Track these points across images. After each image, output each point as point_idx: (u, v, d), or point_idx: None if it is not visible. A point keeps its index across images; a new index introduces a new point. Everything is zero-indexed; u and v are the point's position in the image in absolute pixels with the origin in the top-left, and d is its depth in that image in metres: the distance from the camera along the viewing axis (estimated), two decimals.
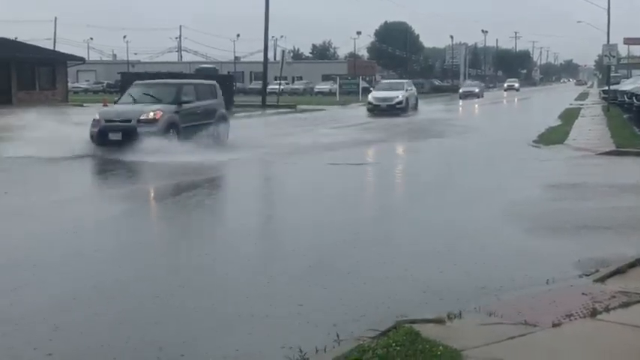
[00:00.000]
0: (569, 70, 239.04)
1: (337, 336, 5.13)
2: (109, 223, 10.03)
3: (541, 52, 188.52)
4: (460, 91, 72.71)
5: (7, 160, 16.77)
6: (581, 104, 48.35)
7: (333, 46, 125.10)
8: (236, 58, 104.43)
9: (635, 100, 26.99)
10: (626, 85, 36.01)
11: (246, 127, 26.47)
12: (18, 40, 56.26)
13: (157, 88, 20.64)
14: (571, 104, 48.80)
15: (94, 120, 18.72)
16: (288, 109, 45.64)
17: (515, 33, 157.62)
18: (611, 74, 43.66)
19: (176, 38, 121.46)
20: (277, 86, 55.97)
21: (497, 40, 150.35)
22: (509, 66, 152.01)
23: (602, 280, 6.43)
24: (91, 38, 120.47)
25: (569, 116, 33.42)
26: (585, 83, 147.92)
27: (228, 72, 71.09)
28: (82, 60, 55.25)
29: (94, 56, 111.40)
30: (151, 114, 18.28)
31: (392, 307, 5.86)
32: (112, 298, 6.34)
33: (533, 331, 5.17)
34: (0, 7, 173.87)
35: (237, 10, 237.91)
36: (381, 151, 20.50)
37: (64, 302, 6.16)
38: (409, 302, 6.05)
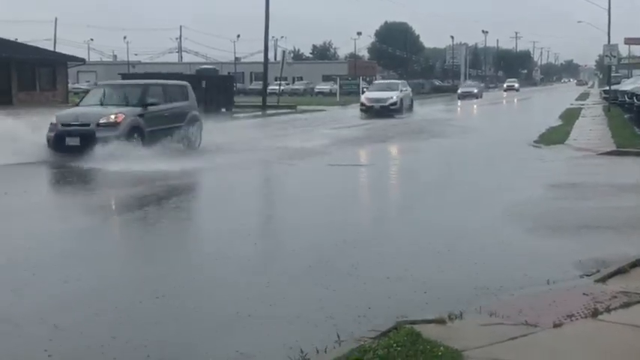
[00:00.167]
0: (569, 70, 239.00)
1: (338, 336, 5.12)
2: (46, 241, 8.83)
3: (542, 52, 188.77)
4: (458, 91, 72.29)
5: None
6: (582, 104, 48.35)
7: (333, 46, 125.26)
8: (236, 58, 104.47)
9: (635, 100, 26.99)
10: (627, 85, 36.00)
11: (229, 129, 25.86)
12: (18, 40, 56.23)
13: (120, 89, 19.61)
14: (572, 104, 48.80)
15: (51, 124, 17.46)
16: (289, 110, 45.65)
17: (516, 33, 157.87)
18: (612, 74, 43.70)
19: (176, 39, 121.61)
20: (278, 87, 55.99)
21: (497, 40, 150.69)
22: (509, 66, 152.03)
23: (603, 280, 6.42)
24: (92, 39, 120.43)
25: (570, 116, 33.42)
26: (586, 83, 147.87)
27: (229, 72, 71.12)
28: (82, 61, 55.22)
29: (94, 57, 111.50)
30: (112, 117, 17.11)
31: (393, 308, 5.84)
32: (87, 305, 6.32)
33: (534, 332, 5.16)
34: (0, 8, 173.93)
35: (238, 11, 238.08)
36: (368, 159, 19.48)
37: None
38: (410, 303, 6.04)
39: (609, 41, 38.45)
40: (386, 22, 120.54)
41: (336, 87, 66.33)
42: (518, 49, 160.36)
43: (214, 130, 22.12)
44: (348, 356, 4.67)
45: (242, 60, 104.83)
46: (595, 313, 5.49)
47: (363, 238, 8.79)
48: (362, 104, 39.12)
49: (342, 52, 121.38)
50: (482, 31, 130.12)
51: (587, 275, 6.70)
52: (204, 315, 5.86)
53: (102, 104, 18.37)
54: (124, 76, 45.27)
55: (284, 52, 60.02)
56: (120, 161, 15.10)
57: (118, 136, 16.68)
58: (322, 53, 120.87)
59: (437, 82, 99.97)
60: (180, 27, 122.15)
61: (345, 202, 11.75)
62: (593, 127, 25.88)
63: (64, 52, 59.89)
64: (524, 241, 8.50)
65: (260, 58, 59.03)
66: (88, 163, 15.51)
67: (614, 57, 36.89)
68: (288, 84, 78.47)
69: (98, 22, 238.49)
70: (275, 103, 48.63)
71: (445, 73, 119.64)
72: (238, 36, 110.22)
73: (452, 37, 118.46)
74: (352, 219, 10.07)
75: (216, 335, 5.41)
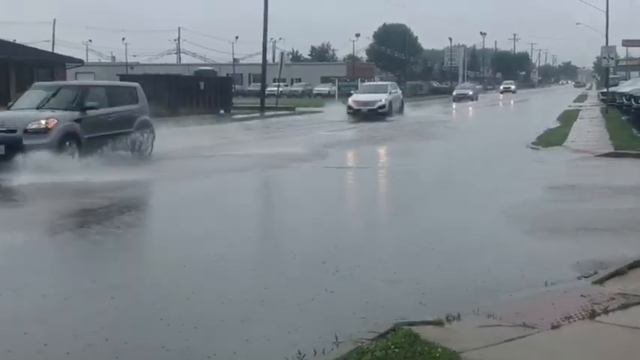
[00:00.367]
0: (567, 72, 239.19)
1: (336, 338, 5.12)
2: None
3: (540, 54, 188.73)
4: (454, 93, 71.50)
5: None
6: (580, 106, 48.42)
7: (331, 48, 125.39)
8: (235, 59, 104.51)
9: (633, 102, 26.99)
10: (625, 87, 36.03)
11: (209, 132, 25.08)
12: (17, 42, 56.22)
13: (56, 91, 17.37)
14: (569, 106, 48.86)
15: None
16: (287, 112, 45.66)
17: (514, 35, 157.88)
18: (610, 76, 43.68)
19: (175, 40, 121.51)
20: (276, 88, 56.01)
21: (495, 42, 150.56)
22: (507, 68, 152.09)
23: (600, 282, 6.42)
24: (90, 40, 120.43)
25: (568, 118, 33.45)
26: (584, 85, 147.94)
27: (227, 74, 71.02)
28: (80, 62, 55.13)
29: (92, 58, 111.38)
30: (42, 122, 15.16)
31: (391, 309, 5.84)
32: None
33: (532, 333, 5.16)
34: None
35: (236, 12, 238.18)
36: (337, 175, 16.06)
37: None
38: (408, 304, 6.04)
39: (607, 43, 38.47)
40: (384, 24, 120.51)
41: (334, 88, 66.35)
42: (516, 51, 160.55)
43: (189, 134, 21.83)
44: (346, 358, 4.67)
45: (240, 61, 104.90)
46: (593, 315, 5.50)
47: (354, 244, 8.78)
48: (349, 107, 37.47)
49: (341, 53, 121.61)
50: (481, 33, 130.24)
51: (584, 277, 6.70)
52: (202, 318, 5.86)
53: (37, 108, 16.39)
54: (122, 78, 45.38)
55: (282, 53, 60.11)
56: (48, 172, 13.46)
57: (49, 143, 14.83)
58: (321, 55, 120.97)
59: (435, 84, 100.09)
60: (179, 28, 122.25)
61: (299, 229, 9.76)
62: (591, 129, 25.91)
63: (62, 53, 59.95)
64: (522, 242, 8.50)
65: (258, 59, 58.97)
66: (11, 175, 13.61)
67: (612, 59, 36.94)
68: (286, 85, 78.53)
69: (97, 24, 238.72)
70: (274, 105, 48.65)
71: (443, 75, 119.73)
72: (237, 37, 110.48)
73: (450, 39, 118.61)
74: (319, 244, 8.68)
75: (214, 337, 5.41)
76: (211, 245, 8.41)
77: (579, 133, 24.26)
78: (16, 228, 9.83)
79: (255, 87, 70.34)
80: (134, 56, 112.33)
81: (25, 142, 14.76)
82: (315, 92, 78.75)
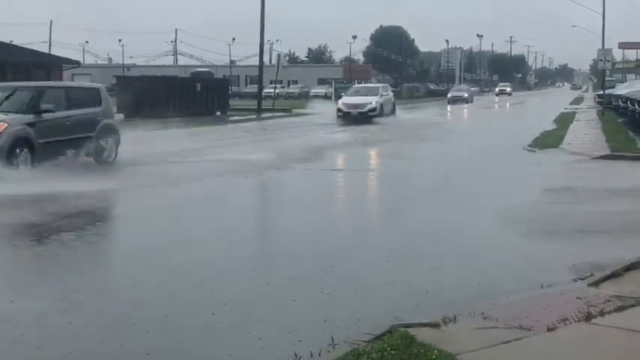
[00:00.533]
0: (564, 74, 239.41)
1: (332, 340, 5.12)
2: None
3: (536, 56, 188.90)
4: (448, 96, 70.55)
5: None
6: (576, 108, 48.51)
7: (328, 50, 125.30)
8: (232, 61, 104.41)
9: (629, 105, 27.05)
10: (621, 90, 36.12)
11: (185, 136, 24.25)
12: (13, 43, 56.16)
13: (10, 93, 15.95)
14: (566, 108, 48.94)
15: None
16: (284, 114, 45.65)
17: (511, 37, 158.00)
18: (606, 78, 43.78)
19: (172, 42, 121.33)
20: (273, 90, 56.00)
21: (492, 44, 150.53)
22: (504, 70, 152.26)
23: (596, 284, 6.43)
24: (87, 41, 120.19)
25: (564, 120, 33.51)
26: (580, 87, 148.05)
27: (224, 75, 71.10)
28: (77, 63, 55.00)
29: (89, 60, 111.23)
30: None
31: (387, 311, 5.84)
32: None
33: (528, 335, 5.17)
34: None
35: (233, 14, 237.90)
36: (315, 178, 15.49)
37: None
38: (404, 306, 6.04)
39: (603, 46, 38.49)
40: (381, 26, 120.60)
41: (331, 90, 66.35)
42: (512, 53, 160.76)
43: (176, 137, 21.48)
44: (342, 359, 4.67)
45: (237, 63, 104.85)
46: (588, 317, 5.50)
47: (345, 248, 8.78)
48: (339, 110, 36.21)
49: (338, 55, 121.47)
50: (477, 35, 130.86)
51: (580, 279, 6.72)
52: (197, 320, 5.85)
53: None
54: (119, 79, 45.39)
55: (279, 55, 60.08)
56: None
57: None
58: (317, 57, 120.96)
59: (432, 86, 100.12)
60: (176, 30, 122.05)
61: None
62: (587, 132, 25.96)
63: (59, 54, 59.90)
64: (519, 245, 8.52)
65: (255, 61, 58.97)
66: None
67: (609, 61, 36.96)
68: (283, 87, 78.53)
69: (94, 25, 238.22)
70: (270, 107, 48.64)
71: (440, 77, 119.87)
72: (234, 39, 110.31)
73: (447, 41, 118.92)
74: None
75: (209, 339, 5.41)
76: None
77: (576, 135, 24.30)
78: None
79: (252, 89, 70.30)
80: (131, 58, 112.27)
81: None
82: (311, 94, 78.72)
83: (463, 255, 7.96)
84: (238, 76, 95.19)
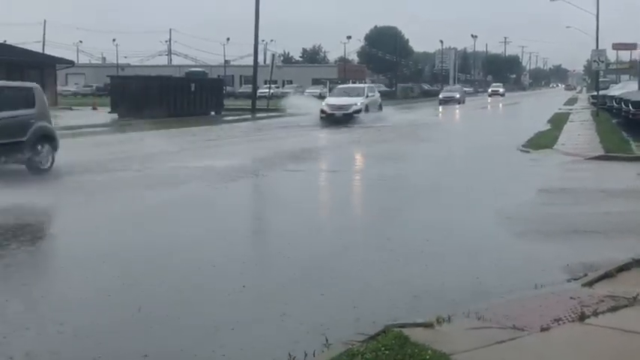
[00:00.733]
0: (558, 75, 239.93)
1: (326, 340, 5.12)
2: None
3: (530, 57, 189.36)
4: (440, 96, 69.61)
5: None
6: (570, 109, 48.59)
7: (323, 50, 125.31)
8: (226, 61, 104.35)
9: (623, 106, 27.12)
10: (615, 91, 36.18)
11: (167, 137, 23.66)
12: (7, 42, 56.02)
13: None
14: (560, 109, 49.00)
15: None
16: (278, 114, 45.61)
17: (505, 38, 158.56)
18: (600, 79, 43.83)
19: (166, 42, 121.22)
20: (267, 90, 55.97)
21: (486, 44, 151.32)
22: (498, 71, 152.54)
23: (590, 284, 6.45)
24: (81, 41, 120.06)
25: (559, 121, 33.55)
26: (574, 88, 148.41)
27: (218, 75, 71.02)
28: (71, 63, 55.06)
29: (83, 59, 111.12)
30: None
31: (381, 312, 5.85)
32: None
33: (522, 336, 5.17)
34: None
35: (228, 14, 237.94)
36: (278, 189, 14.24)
37: None
38: (399, 306, 6.05)
39: (597, 46, 38.55)
40: (375, 26, 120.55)
41: (325, 90, 66.35)
42: (507, 54, 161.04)
43: (157, 137, 20.99)
44: None
45: (232, 63, 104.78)
46: (582, 317, 5.51)
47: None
48: (322, 111, 34.52)
49: (332, 55, 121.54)
50: (472, 36, 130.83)
51: (574, 279, 6.73)
52: (191, 322, 5.84)
53: None
54: (113, 79, 45.34)
55: (274, 55, 60.31)
56: None
57: None
58: (312, 57, 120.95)
59: (426, 87, 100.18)
60: (170, 30, 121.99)
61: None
62: (581, 132, 26.01)
63: (52, 54, 59.78)
64: (513, 245, 8.53)
65: (250, 61, 59.05)
66: None
67: (602, 62, 37.01)
68: (277, 87, 78.47)
69: (87, 25, 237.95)
70: (265, 107, 48.62)
71: (434, 77, 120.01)
72: (228, 39, 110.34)
73: (441, 42, 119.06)
74: None
75: (206, 340, 5.40)
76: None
77: (570, 136, 24.34)
78: None
79: (247, 89, 70.28)
80: (125, 57, 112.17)
81: None
82: (306, 94, 78.68)
83: (457, 255, 7.96)
84: (233, 76, 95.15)
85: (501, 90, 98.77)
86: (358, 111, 34.45)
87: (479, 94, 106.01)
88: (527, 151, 19.67)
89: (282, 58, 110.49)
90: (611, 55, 69.26)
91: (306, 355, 4.91)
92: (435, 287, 6.67)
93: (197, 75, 53.39)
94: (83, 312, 6.06)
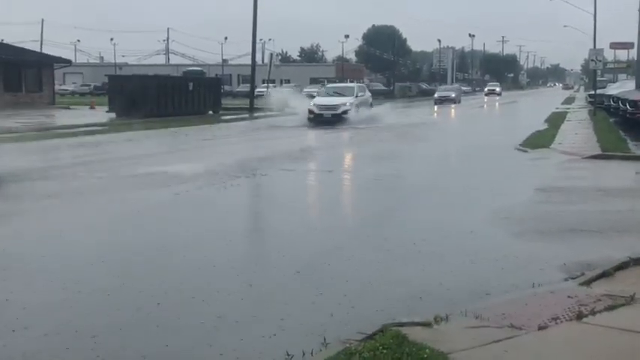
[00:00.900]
0: (555, 74, 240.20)
1: (324, 339, 5.13)
2: None
3: (528, 56, 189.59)
4: (435, 96, 68.40)
5: None
6: (568, 108, 48.63)
7: (321, 49, 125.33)
8: (224, 60, 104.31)
9: (621, 105, 27.16)
10: (613, 90, 36.26)
11: (154, 137, 23.22)
12: (4, 42, 55.99)
13: None
14: (557, 108, 49.05)
15: None
16: (276, 113, 45.52)
17: (503, 37, 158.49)
18: (598, 78, 43.89)
19: (164, 41, 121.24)
20: (265, 89, 55.93)
21: (484, 44, 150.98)
22: (496, 70, 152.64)
23: (587, 283, 6.46)
24: (78, 40, 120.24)
25: (556, 120, 33.58)
26: (572, 87, 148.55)
27: (216, 75, 70.99)
28: (68, 62, 55.01)
29: (81, 58, 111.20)
30: None
31: (379, 310, 5.86)
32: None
33: (519, 335, 5.19)
34: None
35: (226, 13, 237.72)
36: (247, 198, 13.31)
37: None
38: (397, 306, 6.06)
39: (595, 46, 38.58)
40: (373, 26, 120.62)
41: (323, 90, 66.28)
42: (504, 53, 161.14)
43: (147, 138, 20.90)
44: (334, 359, 4.68)
45: (229, 62, 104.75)
46: (579, 316, 5.53)
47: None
48: (310, 112, 33.31)
49: (330, 55, 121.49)
50: (470, 35, 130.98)
51: (572, 278, 6.74)
52: (189, 321, 5.85)
53: None
54: (111, 78, 45.27)
55: (272, 54, 60.14)
56: None
57: None
58: (310, 56, 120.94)
59: (424, 86, 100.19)
60: (168, 29, 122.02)
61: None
62: (578, 131, 26.02)
63: (50, 53, 59.71)
64: (510, 244, 8.53)
65: (247, 60, 58.97)
66: None
67: (600, 61, 37.04)
68: (275, 86, 78.45)
69: (85, 24, 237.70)
70: (262, 106, 48.56)
71: (432, 77, 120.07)
72: (226, 38, 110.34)
73: (439, 41, 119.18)
74: None
75: (203, 340, 5.41)
76: None
77: (567, 135, 24.35)
78: None
79: (245, 88, 70.27)
80: (123, 56, 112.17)
81: None
82: (304, 93, 78.62)
83: (454, 255, 7.96)
84: (230, 75, 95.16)
85: (498, 89, 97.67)
86: (347, 112, 33.42)
87: (476, 93, 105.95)
88: (525, 151, 19.67)
89: (280, 57, 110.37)
90: (609, 55, 69.29)
91: (304, 354, 4.92)
92: (432, 287, 6.68)
93: (195, 74, 53.51)
94: (83, 312, 6.08)
